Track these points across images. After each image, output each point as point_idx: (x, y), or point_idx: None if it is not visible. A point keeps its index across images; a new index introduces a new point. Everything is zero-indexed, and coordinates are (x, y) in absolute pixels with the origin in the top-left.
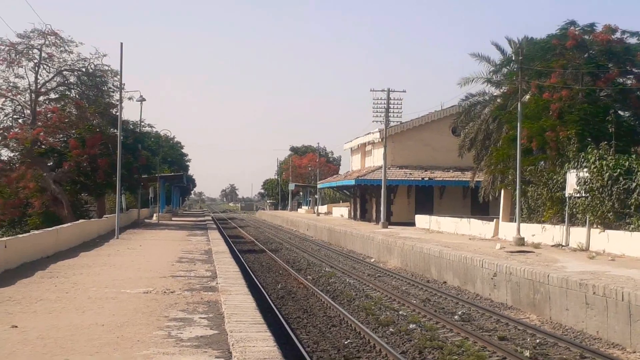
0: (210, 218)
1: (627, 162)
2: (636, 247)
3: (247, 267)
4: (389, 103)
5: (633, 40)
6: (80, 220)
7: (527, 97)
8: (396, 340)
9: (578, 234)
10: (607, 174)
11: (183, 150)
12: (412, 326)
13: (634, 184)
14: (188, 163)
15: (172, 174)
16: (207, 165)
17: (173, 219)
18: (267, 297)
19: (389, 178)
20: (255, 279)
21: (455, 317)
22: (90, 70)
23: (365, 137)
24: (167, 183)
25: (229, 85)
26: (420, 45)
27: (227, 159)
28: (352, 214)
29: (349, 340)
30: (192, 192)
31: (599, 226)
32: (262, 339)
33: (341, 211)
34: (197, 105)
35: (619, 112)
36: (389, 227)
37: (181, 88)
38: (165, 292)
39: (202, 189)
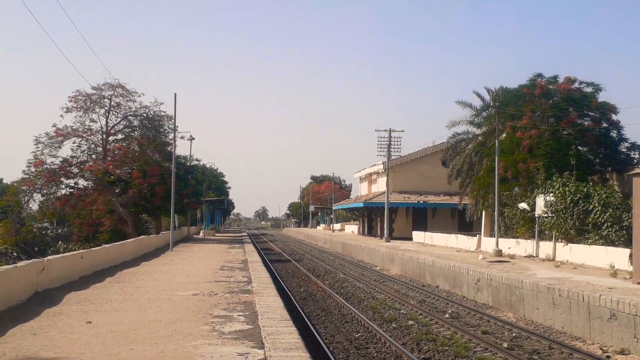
0: (245, 234)
1: (586, 188)
2: (594, 258)
3: (276, 274)
4: (391, 140)
5: (589, 89)
6: (142, 236)
7: (503, 135)
8: (398, 334)
9: (546, 247)
10: (569, 198)
11: (224, 178)
12: (410, 322)
13: (591, 206)
14: (228, 189)
15: (215, 198)
16: (243, 190)
17: (216, 235)
18: (293, 298)
19: (391, 201)
20: (283, 284)
21: (446, 315)
22: (150, 115)
23: (371, 168)
24: (211, 206)
25: (261, 122)
26: (417, 91)
27: (260, 185)
28: (361, 230)
29: (359, 334)
30: (231, 212)
31: (563, 240)
32: (289, 332)
33: (352, 228)
34: (236, 140)
35: (579, 147)
36: (391, 241)
37: (223, 126)
38: (210, 294)
39: (239, 210)
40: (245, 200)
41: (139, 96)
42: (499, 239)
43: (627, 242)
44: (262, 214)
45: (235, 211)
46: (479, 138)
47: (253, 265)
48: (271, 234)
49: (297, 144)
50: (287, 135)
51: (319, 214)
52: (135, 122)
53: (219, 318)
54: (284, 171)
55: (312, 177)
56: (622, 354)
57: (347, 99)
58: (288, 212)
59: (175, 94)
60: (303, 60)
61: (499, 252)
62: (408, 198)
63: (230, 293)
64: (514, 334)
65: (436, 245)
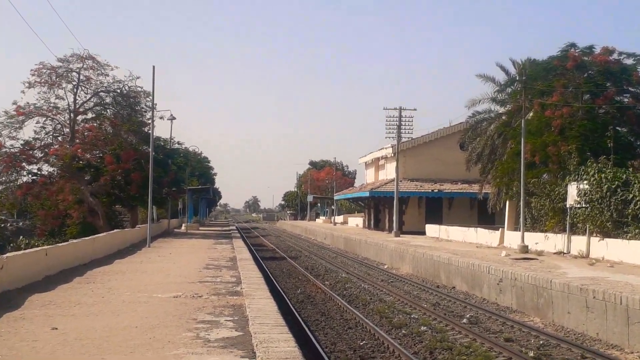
0: (234, 228)
1: (625, 175)
2: (633, 254)
3: (269, 273)
4: (401, 120)
5: (629, 61)
6: (115, 230)
7: (530, 114)
8: (408, 342)
9: (578, 242)
10: (606, 186)
11: (210, 164)
12: (423, 328)
13: (631, 195)
14: (214, 176)
15: (200, 187)
16: (231, 178)
17: (200, 228)
18: (288, 301)
19: (401, 190)
20: (277, 284)
21: (464, 320)
22: (125, 92)
23: (378, 152)
24: (195, 195)
25: (253, 103)
26: (431, 66)
27: (251, 173)
28: (366, 223)
29: (364, 342)
30: (217, 203)
31: (598, 235)
32: (284, 340)
33: (356, 221)
34: (223, 121)
35: (617, 128)
36: (400, 236)
37: (210, 105)
38: (193, 296)
39: (227, 201)
40: (234, 190)
41: (112, 69)
42: (525, 233)
43: None
44: (253, 205)
45: (222, 202)
46: (503, 117)
47: (243, 264)
48: (263, 227)
49: (295, 125)
50: (283, 116)
51: (319, 204)
52: (108, 99)
53: (203, 323)
54: (278, 156)
55: (311, 163)
56: None
57: (352, 75)
58: (283, 202)
59: (154, 67)
60: (301, 33)
61: (524, 248)
62: (421, 186)
63: (216, 295)
64: (541, 342)
65: (453, 240)
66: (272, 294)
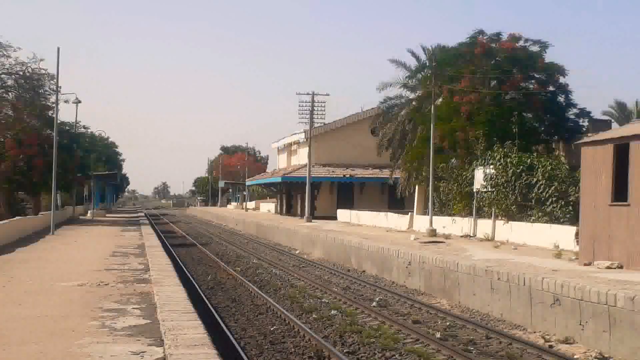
0: (142, 214)
1: (529, 160)
2: (536, 237)
3: (179, 260)
4: (314, 105)
5: (535, 48)
6: (17, 218)
7: (440, 100)
8: (319, 326)
9: (484, 226)
10: (511, 170)
11: (117, 150)
12: (333, 312)
13: (535, 180)
14: (122, 162)
15: (106, 172)
16: (140, 164)
17: (107, 215)
18: (198, 288)
19: (313, 175)
20: (187, 271)
21: (373, 303)
22: (28, 74)
23: (291, 137)
24: (101, 181)
25: (159, 85)
26: (345, 52)
27: (160, 158)
28: (279, 209)
29: (275, 327)
30: (125, 189)
31: (503, 218)
32: (193, 327)
33: (268, 207)
34: (131, 104)
35: (523, 114)
36: (312, 221)
37: (116, 88)
38: (99, 284)
39: (135, 187)
40: (142, 175)
41: (14, 50)
42: (434, 217)
43: (574, 219)
44: (162, 191)
45: (130, 188)
46: (413, 103)
47: (151, 251)
48: (173, 214)
49: (205, 109)
50: (193, 99)
51: (230, 190)
52: (10, 82)
53: (110, 312)
54: (189, 141)
55: (223, 148)
56: (566, 343)
57: (265, 60)
58: (193, 188)
59: (59, 48)
60: (214, 14)
61: (433, 232)
62: (333, 172)
63: (123, 283)
64: (447, 323)
65: (364, 224)
66: (182, 281)
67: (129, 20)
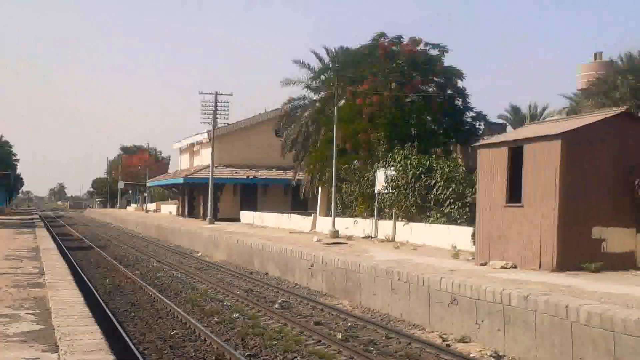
0: (37, 217)
1: (428, 162)
2: (435, 238)
3: (75, 264)
4: (217, 105)
5: (434, 52)
6: None
7: (343, 102)
8: (220, 329)
9: (386, 227)
10: (411, 172)
11: (11, 149)
12: (235, 315)
13: (434, 181)
14: (16, 162)
15: None
16: (36, 164)
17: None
18: (95, 292)
19: (216, 176)
20: (83, 275)
21: (276, 305)
22: None
23: (193, 137)
24: None
25: (58, 81)
26: (249, 53)
27: (56, 158)
28: (181, 211)
29: (175, 331)
30: (19, 190)
31: (403, 219)
32: (90, 332)
33: (170, 208)
34: (25, 104)
35: (422, 116)
36: (215, 223)
37: (8, 84)
38: None
39: (30, 188)
40: (37, 176)
41: None
42: (336, 219)
43: (470, 220)
44: (59, 193)
45: (25, 189)
46: (317, 104)
47: (46, 254)
48: (70, 216)
49: (104, 107)
50: (90, 97)
51: (130, 192)
52: None
53: (1, 317)
54: (87, 141)
55: (122, 148)
56: (463, 342)
57: (167, 59)
58: (91, 190)
59: None
60: (115, 13)
61: (335, 233)
62: (236, 173)
63: (16, 287)
64: (349, 324)
65: (267, 226)
66: (78, 285)
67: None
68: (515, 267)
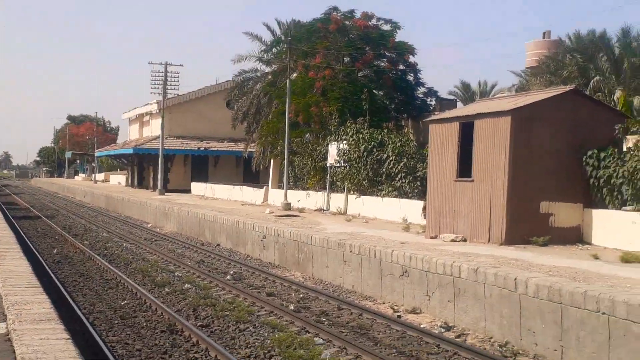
0: None
1: (380, 136)
2: (386, 211)
3: (22, 233)
4: (167, 76)
5: (387, 27)
6: None
7: (295, 75)
8: (172, 300)
9: (338, 200)
10: (363, 146)
11: None
12: (187, 286)
13: (385, 155)
14: None
15: None
16: None
17: None
18: (43, 262)
19: (166, 147)
20: (31, 245)
21: (228, 276)
22: None
23: (143, 107)
24: None
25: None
26: (199, 22)
27: (1, 126)
28: (130, 181)
29: (125, 301)
30: None
31: (355, 192)
32: (38, 301)
33: (119, 179)
34: None
35: (374, 91)
36: (165, 194)
37: None
38: None
39: None
40: None
41: None
42: (289, 191)
43: (421, 194)
44: (4, 162)
45: None
46: (269, 77)
47: None
48: (16, 185)
49: (52, 75)
50: (38, 64)
51: (78, 161)
52: None
53: None
54: (33, 108)
55: (70, 117)
56: (414, 313)
57: (115, 28)
58: (38, 159)
59: None
60: None
61: (287, 206)
62: (187, 144)
63: None
64: (301, 295)
65: (218, 198)
66: (26, 255)
67: None
68: (465, 240)
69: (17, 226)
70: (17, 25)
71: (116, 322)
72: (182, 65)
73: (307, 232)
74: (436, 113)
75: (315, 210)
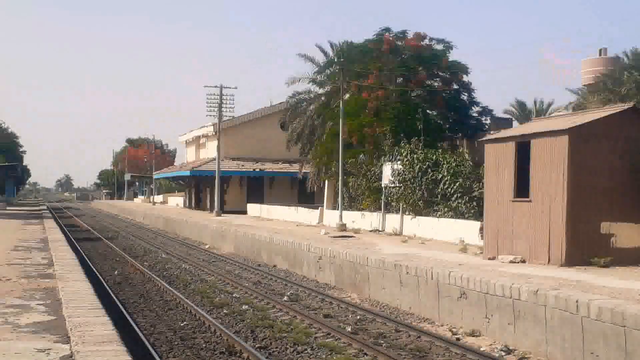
0: (45, 208)
1: (435, 156)
2: (442, 231)
3: (84, 255)
4: (222, 98)
5: (439, 47)
6: None
7: (348, 96)
8: (230, 321)
9: (393, 220)
10: (418, 166)
11: (17, 140)
12: (244, 307)
13: (440, 175)
14: (22, 153)
15: (6, 164)
16: (42, 156)
17: (7, 208)
18: (104, 283)
19: (223, 169)
20: (92, 266)
21: (285, 297)
22: None
23: (199, 130)
24: (0, 173)
25: (67, 75)
26: (255, 45)
27: (63, 150)
28: (187, 203)
29: (185, 322)
30: (26, 182)
31: (410, 213)
32: (101, 323)
33: (177, 200)
34: (33, 94)
35: (428, 111)
36: (222, 215)
37: (15, 77)
38: (0, 279)
39: (37, 179)
40: (44, 168)
41: None
42: (343, 212)
43: (478, 215)
44: (65, 184)
45: (32, 180)
46: (322, 98)
47: (55, 245)
48: (77, 207)
49: (111, 100)
50: (98, 90)
51: (137, 183)
52: None
53: (12, 308)
54: (93, 133)
55: (128, 140)
56: (473, 336)
57: (173, 52)
58: (98, 181)
59: None
60: (121, 6)
61: (342, 226)
62: (242, 166)
63: (26, 278)
64: (358, 317)
65: (274, 219)
66: (88, 277)
67: (30, 9)
68: (524, 261)
69: (78, 248)
70: (79, 53)
71: (176, 343)
72: (236, 88)
73: (363, 253)
74: (491, 132)
75: (370, 231)
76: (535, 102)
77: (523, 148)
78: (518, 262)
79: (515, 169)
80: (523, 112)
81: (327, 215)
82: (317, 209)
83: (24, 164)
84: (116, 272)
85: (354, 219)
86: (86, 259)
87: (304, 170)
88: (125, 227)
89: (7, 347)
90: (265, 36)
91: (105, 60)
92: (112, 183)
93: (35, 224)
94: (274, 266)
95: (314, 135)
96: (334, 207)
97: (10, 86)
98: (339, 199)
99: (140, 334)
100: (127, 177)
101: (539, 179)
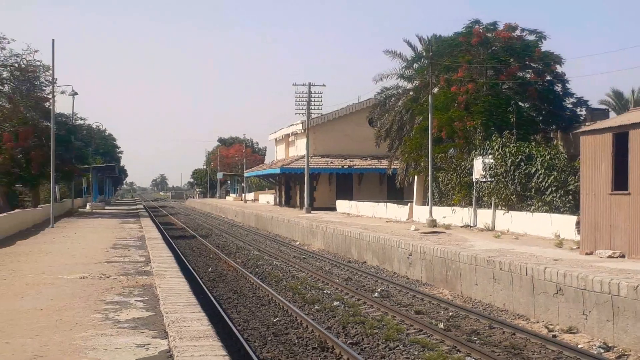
0: (142, 206)
1: (527, 149)
2: (536, 226)
3: (179, 252)
4: (310, 96)
5: (531, 37)
6: (16, 210)
7: (437, 90)
8: (321, 317)
9: (484, 215)
10: (510, 160)
11: (115, 142)
12: (336, 303)
13: (534, 169)
14: (120, 154)
15: (104, 164)
16: (138, 156)
17: (106, 208)
18: (199, 279)
19: (312, 166)
20: (187, 263)
21: (375, 294)
22: (23, 66)
23: (288, 128)
24: (100, 173)
25: (159, 79)
26: (341, 43)
27: (158, 150)
28: (278, 200)
29: (277, 318)
30: (124, 182)
31: (503, 208)
32: (197, 319)
33: (267, 198)
34: (129, 97)
35: (520, 103)
36: (312, 212)
37: (113, 81)
38: (101, 277)
39: (133, 179)
40: (140, 168)
41: (9, 42)
42: (433, 208)
43: (574, 209)
44: (160, 183)
45: (128, 180)
46: (410, 93)
47: (152, 243)
48: (172, 205)
49: (203, 101)
50: (190, 92)
51: (229, 182)
52: (5, 74)
53: (112, 304)
54: (186, 133)
55: (220, 140)
56: (570, 333)
57: (262, 51)
58: (191, 180)
59: (54, 40)
60: (210, 8)
61: (433, 222)
62: (331, 163)
63: (125, 275)
64: (450, 313)
65: (363, 215)
66: (183, 273)
67: (125, 12)
68: (623, 256)
69: (174, 245)
70: (176, 58)
71: (269, 338)
72: (324, 85)
73: (454, 249)
74: (587, 124)
75: (461, 226)
76: (633, 92)
77: (621, 139)
78: (617, 257)
79: (612, 160)
80: (620, 102)
81: (417, 211)
82: (407, 205)
83: (121, 164)
84: (210, 269)
85: (445, 214)
86: (181, 256)
87: (392, 166)
88: (218, 225)
89: (108, 343)
90: (354, 33)
91: (197, 62)
92: (205, 182)
93: (133, 222)
94: (364, 262)
95: (402, 130)
96: (424, 203)
97: (112, 91)
98: (429, 194)
99: (235, 330)
100: (219, 175)
101: (638, 171)
